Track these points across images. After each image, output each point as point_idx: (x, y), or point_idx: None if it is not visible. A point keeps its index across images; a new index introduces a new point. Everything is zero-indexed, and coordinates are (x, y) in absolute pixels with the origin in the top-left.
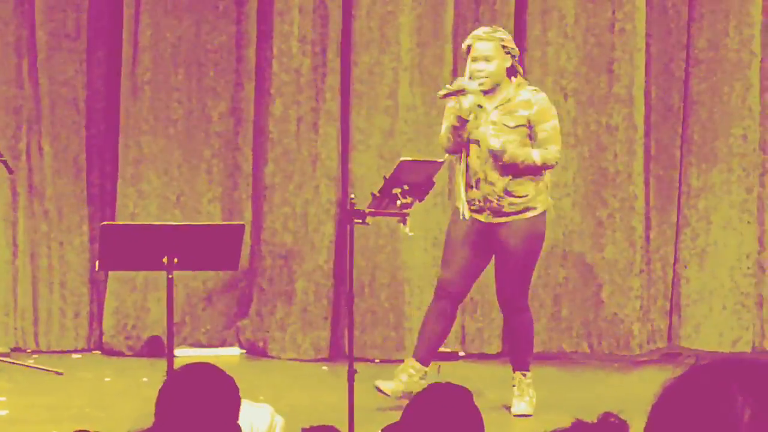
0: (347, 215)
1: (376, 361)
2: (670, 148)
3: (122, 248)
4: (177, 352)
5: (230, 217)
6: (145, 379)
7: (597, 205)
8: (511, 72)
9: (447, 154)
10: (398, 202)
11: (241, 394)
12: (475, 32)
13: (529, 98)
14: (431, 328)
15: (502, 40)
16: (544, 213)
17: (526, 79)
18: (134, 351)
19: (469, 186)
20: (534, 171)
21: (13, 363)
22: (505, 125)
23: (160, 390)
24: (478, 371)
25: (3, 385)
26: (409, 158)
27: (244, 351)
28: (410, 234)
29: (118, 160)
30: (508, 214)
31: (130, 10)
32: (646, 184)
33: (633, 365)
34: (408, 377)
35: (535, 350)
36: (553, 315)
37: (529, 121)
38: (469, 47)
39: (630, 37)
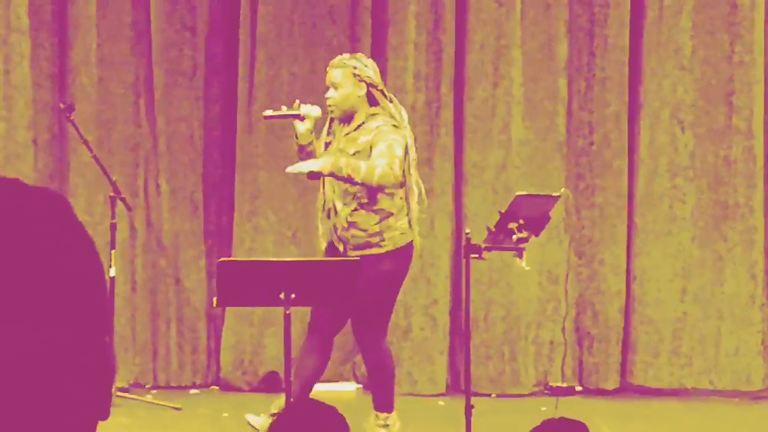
0: (464, 250)
1: (493, 395)
2: None
3: (240, 284)
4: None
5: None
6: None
7: (716, 238)
8: (372, 101)
9: (563, 188)
10: (514, 237)
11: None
12: (333, 59)
13: (371, 126)
14: (302, 363)
15: (355, 68)
16: (396, 251)
17: (389, 111)
18: (251, 386)
19: (327, 216)
20: (367, 195)
21: (133, 398)
22: (346, 152)
23: (270, 426)
24: (594, 407)
25: (122, 421)
26: (525, 192)
27: (361, 386)
28: (527, 268)
29: (234, 196)
30: (355, 248)
31: (245, 47)
32: (767, 216)
33: (754, 401)
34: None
35: (655, 386)
36: (673, 350)
37: (370, 148)
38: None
39: (749, 69)
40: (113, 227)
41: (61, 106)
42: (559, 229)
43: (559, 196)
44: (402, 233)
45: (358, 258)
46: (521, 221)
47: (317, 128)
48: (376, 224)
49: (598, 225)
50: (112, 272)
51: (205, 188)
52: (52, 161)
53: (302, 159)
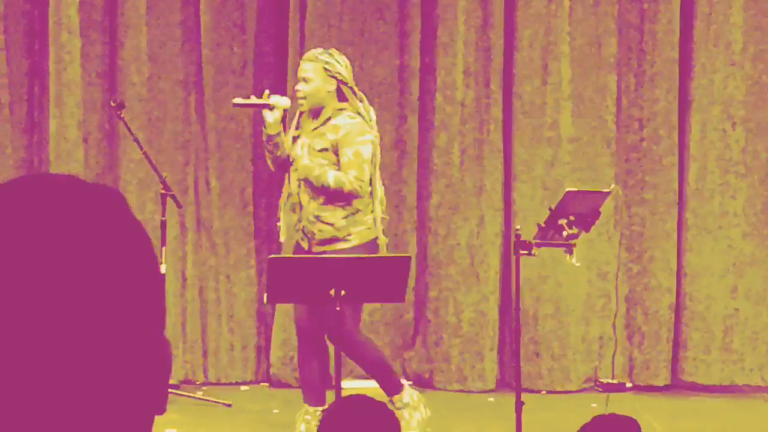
0: (514, 246)
1: (543, 392)
2: None
3: (290, 281)
4: (343, 383)
5: (395, 248)
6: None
7: None
8: (341, 97)
9: (613, 184)
10: (564, 233)
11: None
12: (306, 53)
13: (339, 123)
14: (306, 369)
15: (327, 63)
16: (360, 247)
17: (357, 108)
18: None
19: (292, 210)
20: (334, 195)
21: (183, 395)
22: (313, 148)
23: (320, 421)
24: (645, 403)
25: (173, 417)
26: (575, 189)
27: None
28: (577, 264)
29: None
30: (320, 243)
31: (294, 44)
32: None
33: None
34: (305, 425)
35: (706, 383)
36: (724, 347)
37: (335, 145)
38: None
39: None
40: (163, 224)
41: (112, 104)
42: (609, 225)
43: (609, 192)
44: (368, 228)
45: (409, 255)
46: (571, 217)
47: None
48: (343, 219)
49: (649, 221)
50: (163, 269)
51: (255, 185)
52: (102, 159)
53: (269, 149)
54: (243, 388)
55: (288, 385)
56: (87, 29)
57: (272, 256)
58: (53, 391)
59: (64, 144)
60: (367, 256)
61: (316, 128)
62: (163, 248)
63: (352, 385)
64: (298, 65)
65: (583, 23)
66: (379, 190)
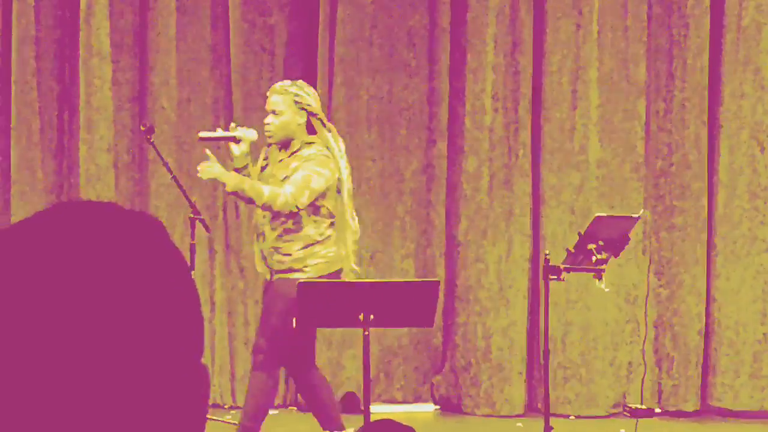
0: (543, 271)
1: (571, 417)
2: None
3: (319, 305)
4: (371, 408)
5: (424, 273)
6: None
7: None
8: (310, 129)
9: (642, 210)
10: (593, 258)
11: None
12: (274, 85)
13: (304, 154)
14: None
15: (297, 95)
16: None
17: (327, 141)
18: None
19: (257, 240)
20: (272, 214)
21: (212, 419)
22: (277, 178)
23: None
24: (673, 428)
25: None
26: (605, 214)
27: (439, 407)
28: (606, 290)
29: None
30: (278, 272)
31: (323, 69)
32: None
33: None
34: None
35: (735, 408)
36: (753, 373)
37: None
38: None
39: None
40: (192, 248)
41: (142, 128)
42: (637, 250)
43: (638, 218)
44: (327, 262)
45: (438, 280)
46: (600, 242)
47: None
48: (299, 250)
49: (678, 246)
50: None
51: None
52: (132, 183)
53: None
54: (271, 412)
55: None
56: (117, 54)
57: (302, 280)
58: (93, 417)
59: (94, 168)
60: (397, 280)
61: (282, 160)
62: (192, 272)
63: (380, 410)
64: (328, 90)
65: (612, 48)
66: (352, 222)
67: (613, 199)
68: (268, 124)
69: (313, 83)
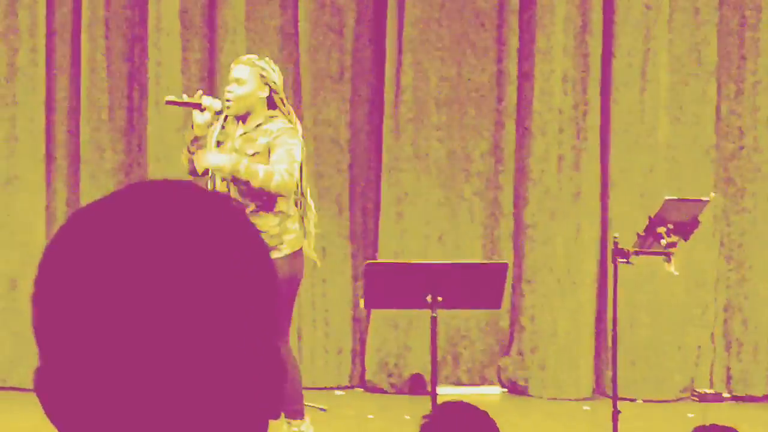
0: (611, 254)
1: (639, 400)
2: None
3: (386, 287)
4: (438, 390)
5: (491, 255)
6: (407, 417)
7: None
8: (271, 105)
9: (712, 193)
10: (663, 242)
11: None
12: (240, 57)
13: (271, 128)
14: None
15: (263, 69)
16: (291, 255)
17: (287, 117)
18: (396, 388)
19: None
20: (262, 195)
21: None
22: (244, 152)
23: (421, 428)
24: (743, 414)
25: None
26: (675, 197)
27: (506, 389)
28: (675, 273)
29: (380, 198)
30: None
31: (392, 50)
32: None
33: None
34: None
35: (762, 393)
36: None
37: (268, 149)
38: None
39: None
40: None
41: None
42: (707, 233)
43: (708, 201)
44: (296, 236)
45: (506, 262)
46: (670, 226)
47: None
48: (276, 226)
49: (748, 230)
50: None
51: (352, 190)
52: None
53: (192, 151)
54: (338, 392)
55: (383, 391)
56: (186, 34)
57: (369, 261)
58: (171, 396)
59: (163, 149)
60: (465, 262)
61: (245, 133)
62: None
63: (446, 392)
64: (396, 72)
65: (682, 30)
66: (311, 201)
67: (682, 182)
68: (230, 92)
69: (381, 64)
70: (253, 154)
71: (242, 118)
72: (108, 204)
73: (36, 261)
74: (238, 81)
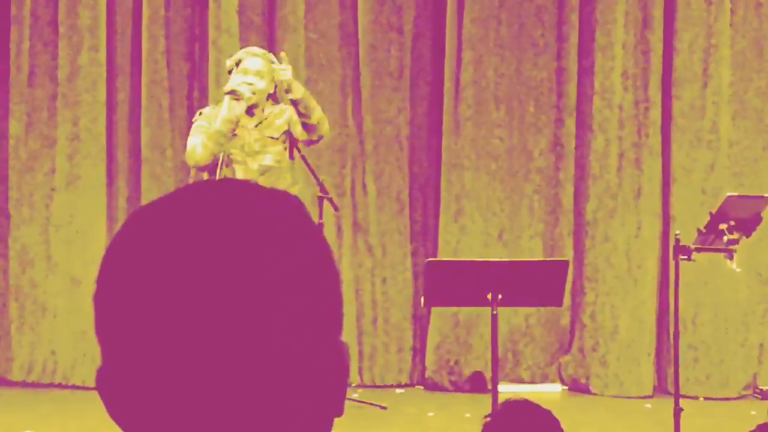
0: (673, 251)
1: (701, 398)
2: None
3: (447, 284)
4: (499, 388)
5: (551, 252)
6: (467, 415)
7: None
8: (274, 100)
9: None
10: (725, 238)
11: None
12: (249, 49)
13: (281, 107)
14: None
15: (273, 62)
16: None
17: None
18: (456, 386)
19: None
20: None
21: None
22: (269, 137)
23: (483, 427)
24: None
25: None
26: (736, 194)
27: (566, 387)
28: (737, 270)
29: (440, 196)
30: None
31: (452, 48)
32: None
33: None
34: None
35: None
36: None
37: (289, 123)
38: (239, 62)
39: None
40: (320, 227)
41: None
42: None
43: None
44: None
45: (567, 259)
46: (732, 222)
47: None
48: (291, 186)
49: None
50: None
51: (411, 188)
52: None
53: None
54: (398, 390)
55: (443, 389)
56: (246, 32)
57: (430, 259)
58: (235, 393)
59: None
60: (526, 260)
61: (260, 122)
62: None
63: (507, 390)
64: (456, 68)
65: (744, 25)
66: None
67: (744, 179)
68: (251, 84)
69: (441, 61)
70: (279, 136)
71: (250, 113)
72: (169, 202)
73: (97, 260)
74: (259, 74)
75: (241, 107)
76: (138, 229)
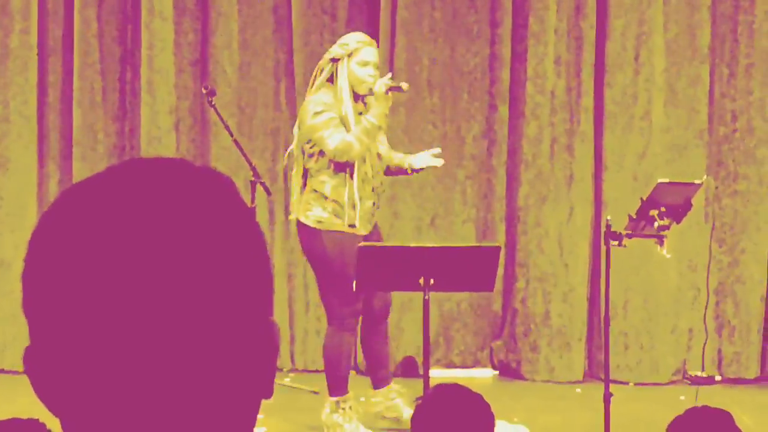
0: (604, 237)
1: (631, 384)
2: None
3: (379, 269)
4: (431, 372)
5: (484, 238)
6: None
7: None
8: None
9: (705, 176)
10: (655, 224)
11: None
12: (361, 38)
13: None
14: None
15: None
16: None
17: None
18: None
19: (365, 196)
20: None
21: None
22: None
23: (414, 411)
24: (734, 396)
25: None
26: (667, 180)
27: (497, 372)
28: (668, 256)
29: None
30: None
31: (385, 32)
32: None
33: None
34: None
35: (753, 376)
36: None
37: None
38: (353, 51)
39: None
40: (253, 211)
41: (204, 90)
42: (700, 216)
43: (701, 184)
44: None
45: (499, 245)
46: (663, 209)
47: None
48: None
49: (740, 213)
50: None
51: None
52: (193, 146)
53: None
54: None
55: None
56: (179, 16)
57: (362, 244)
58: (163, 372)
59: (156, 130)
60: (458, 245)
61: (361, 113)
62: None
63: (439, 374)
64: (389, 54)
65: (676, 13)
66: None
67: (675, 165)
68: (373, 75)
69: None
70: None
71: (363, 99)
72: (100, 180)
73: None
74: (376, 66)
75: (389, 101)
76: (68, 207)
